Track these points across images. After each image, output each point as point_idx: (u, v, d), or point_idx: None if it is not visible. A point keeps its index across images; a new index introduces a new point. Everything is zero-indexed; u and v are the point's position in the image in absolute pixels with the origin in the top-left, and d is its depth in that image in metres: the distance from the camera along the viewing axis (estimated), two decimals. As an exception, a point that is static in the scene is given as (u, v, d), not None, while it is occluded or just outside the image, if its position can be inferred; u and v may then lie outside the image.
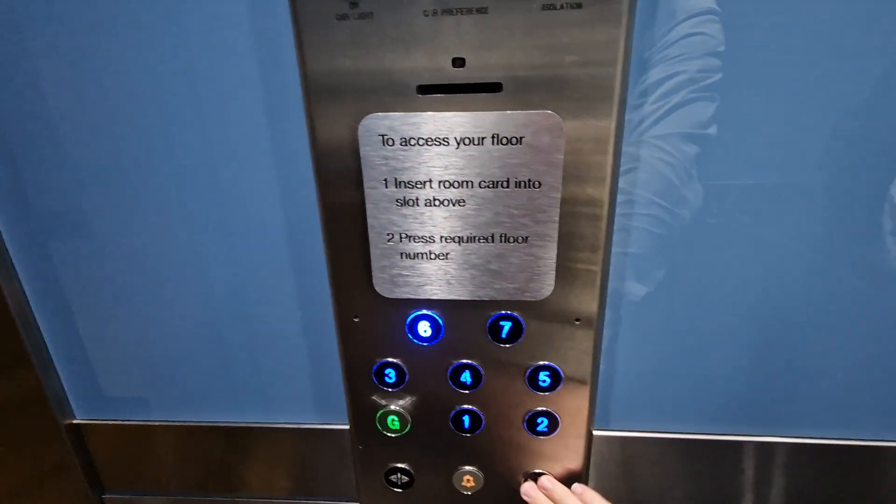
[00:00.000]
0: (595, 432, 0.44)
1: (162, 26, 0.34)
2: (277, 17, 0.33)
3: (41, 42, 0.36)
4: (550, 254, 0.35)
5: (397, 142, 0.33)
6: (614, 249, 0.37)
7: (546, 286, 0.36)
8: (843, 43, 0.31)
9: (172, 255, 0.42)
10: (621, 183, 0.35)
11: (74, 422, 0.50)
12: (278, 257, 0.41)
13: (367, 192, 0.34)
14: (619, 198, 0.36)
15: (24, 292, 0.45)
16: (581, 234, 0.35)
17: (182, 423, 0.49)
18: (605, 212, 0.34)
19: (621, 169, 0.35)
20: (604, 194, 0.33)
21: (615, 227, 0.37)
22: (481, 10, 0.29)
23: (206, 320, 0.45)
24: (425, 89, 0.31)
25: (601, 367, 0.42)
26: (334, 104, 0.32)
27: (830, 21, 0.31)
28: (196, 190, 0.39)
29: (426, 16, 0.30)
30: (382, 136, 0.32)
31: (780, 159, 0.34)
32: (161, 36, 0.35)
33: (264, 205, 0.39)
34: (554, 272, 0.36)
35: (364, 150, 0.33)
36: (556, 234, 0.34)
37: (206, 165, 0.38)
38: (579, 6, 0.29)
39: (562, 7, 0.29)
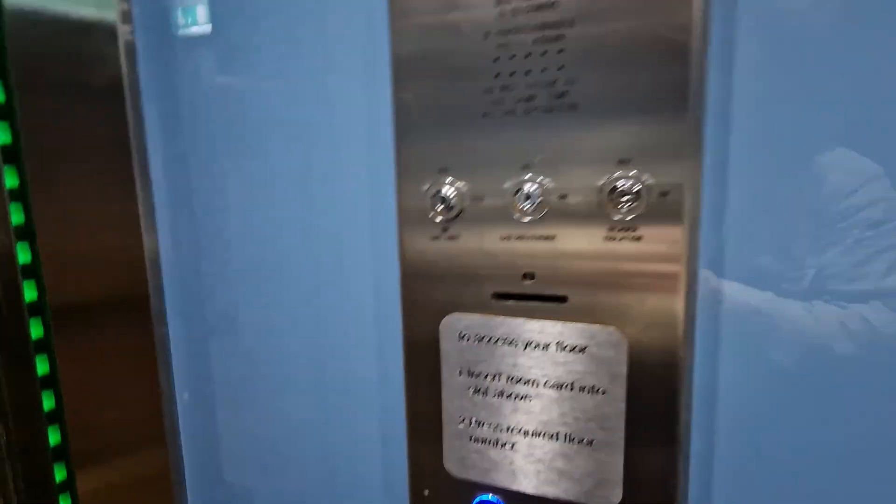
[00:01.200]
0: None
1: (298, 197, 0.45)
2: (386, 233, 0.41)
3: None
4: (617, 460, 0.35)
5: (473, 338, 0.37)
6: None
7: (614, 494, 0.35)
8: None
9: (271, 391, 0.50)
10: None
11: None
12: (368, 422, 0.46)
13: (444, 378, 0.38)
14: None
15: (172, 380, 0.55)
16: (652, 445, 0.34)
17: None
18: (680, 427, 0.33)
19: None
20: (675, 408, 0.33)
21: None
22: (549, 238, 0.34)
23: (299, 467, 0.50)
24: (499, 296, 0.36)
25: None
26: (422, 304, 0.38)
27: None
28: (306, 353, 0.47)
29: (502, 240, 0.35)
30: (460, 332, 0.37)
31: None
32: (296, 198, 0.45)
33: (361, 388, 0.45)
34: (622, 481, 0.35)
35: (444, 344, 0.38)
36: (622, 443, 0.34)
37: (312, 351, 0.47)
38: (639, 239, 0.32)
39: (622, 240, 0.32)
